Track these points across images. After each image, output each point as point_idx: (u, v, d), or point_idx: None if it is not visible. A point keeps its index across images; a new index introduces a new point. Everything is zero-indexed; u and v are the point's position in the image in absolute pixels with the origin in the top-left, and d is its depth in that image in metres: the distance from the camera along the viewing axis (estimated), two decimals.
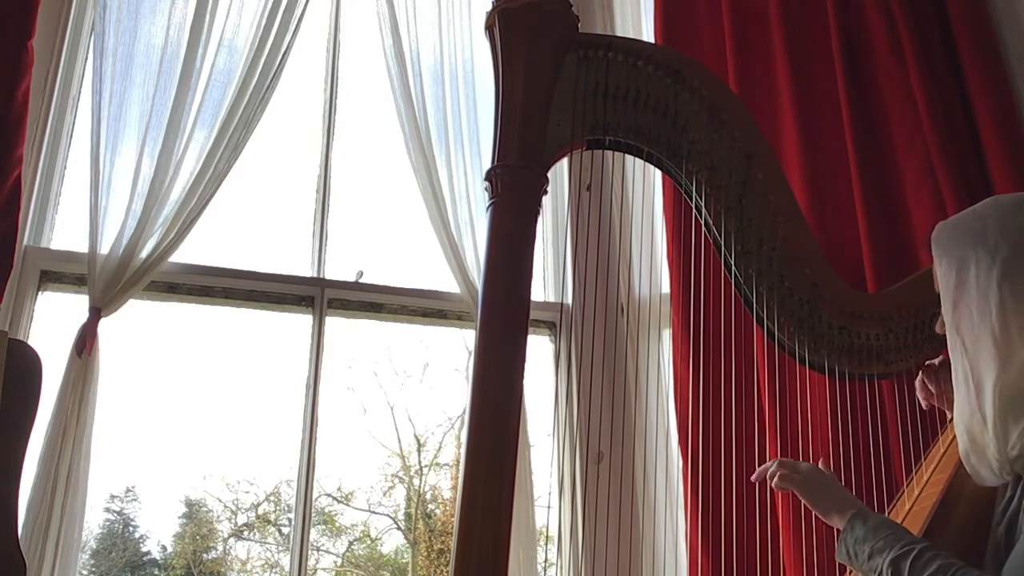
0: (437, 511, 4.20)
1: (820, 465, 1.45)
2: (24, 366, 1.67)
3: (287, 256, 2.54)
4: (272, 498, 4.03)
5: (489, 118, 1.53)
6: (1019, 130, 2.10)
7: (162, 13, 2.41)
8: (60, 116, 2.36)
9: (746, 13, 2.44)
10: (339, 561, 4.20)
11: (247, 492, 3.98)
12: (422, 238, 2.53)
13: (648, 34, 2.72)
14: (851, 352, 1.47)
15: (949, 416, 1.42)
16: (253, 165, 2.51)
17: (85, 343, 2.08)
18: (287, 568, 2.33)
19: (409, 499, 4.24)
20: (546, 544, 2.48)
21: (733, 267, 1.44)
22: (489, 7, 1.37)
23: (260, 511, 4.03)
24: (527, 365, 1.19)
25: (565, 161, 1.76)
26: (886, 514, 1.42)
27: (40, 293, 2.24)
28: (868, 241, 2.10)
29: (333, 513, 4.12)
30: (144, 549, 3.99)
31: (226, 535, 4.06)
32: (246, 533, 4.05)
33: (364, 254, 2.71)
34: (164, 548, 4.01)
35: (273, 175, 2.85)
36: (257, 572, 4.10)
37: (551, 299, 2.67)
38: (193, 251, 2.32)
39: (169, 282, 2.34)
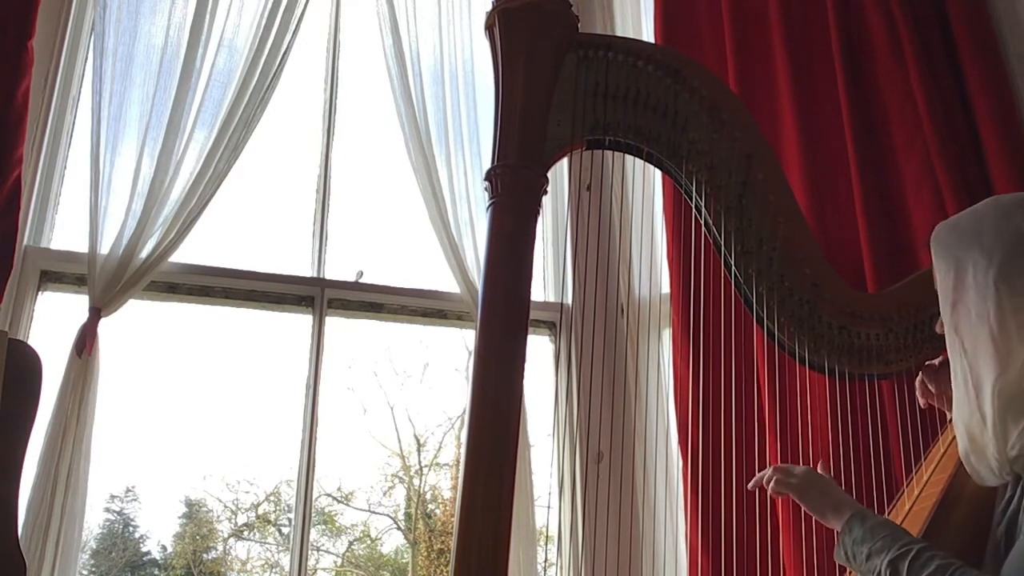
0: (437, 511, 4.20)
1: (819, 467, 1.45)
2: (24, 366, 1.67)
3: (287, 256, 2.54)
4: (272, 498, 4.04)
5: (489, 118, 1.53)
6: (1019, 130, 2.09)
7: (162, 13, 2.41)
8: (60, 116, 2.37)
9: (746, 13, 2.44)
10: (339, 561, 4.20)
11: (247, 492, 3.99)
12: (422, 238, 2.54)
13: (648, 34, 2.72)
14: (851, 352, 1.47)
15: (949, 416, 1.42)
16: (253, 165, 2.51)
17: (85, 343, 2.08)
18: (287, 568, 2.33)
19: (409, 499, 4.24)
20: (546, 544, 2.48)
21: (733, 267, 1.44)
22: (489, 7, 1.37)
23: (260, 511, 4.03)
24: (527, 365, 1.19)
25: (565, 161, 1.76)
26: (886, 514, 1.42)
27: (40, 293, 2.24)
28: (868, 241, 2.10)
29: (333, 513, 4.12)
30: (144, 549, 3.99)
31: (226, 535, 4.06)
32: (246, 533, 4.06)
33: (364, 254, 2.71)
34: (164, 548, 4.02)
35: (273, 175, 2.85)
36: (257, 572, 4.10)
37: (551, 299, 2.67)
38: (193, 251, 2.33)
39: (169, 282, 2.34)
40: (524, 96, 1.31)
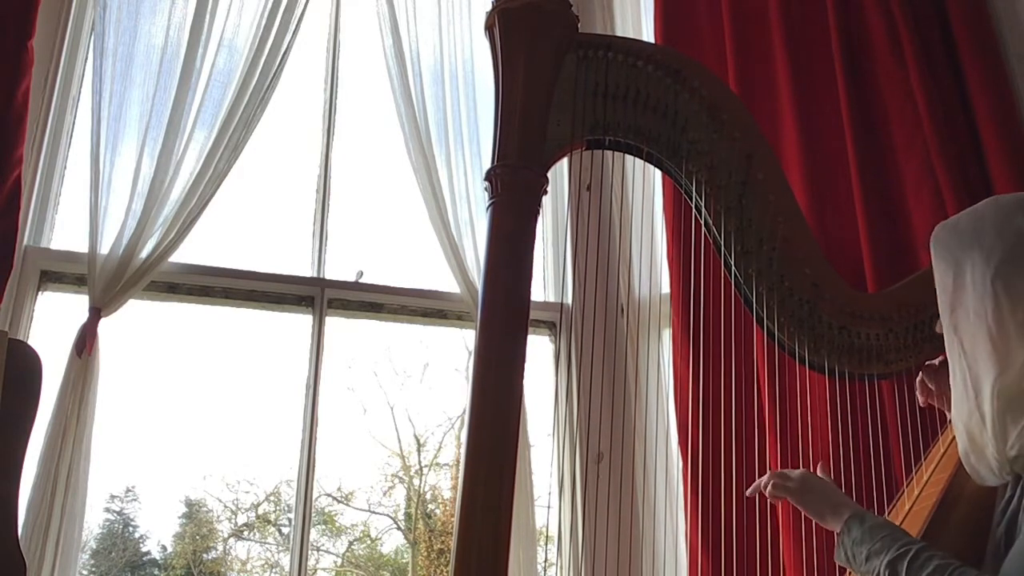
0: (437, 511, 4.20)
1: (819, 470, 1.45)
2: (24, 366, 1.67)
3: (287, 256, 2.54)
4: (272, 498, 4.04)
5: (489, 118, 1.53)
6: (1019, 130, 2.09)
7: (162, 13, 2.41)
8: (60, 116, 2.37)
9: (746, 13, 2.44)
10: (339, 561, 4.20)
11: (247, 492, 3.99)
12: (422, 238, 2.54)
13: (648, 34, 2.72)
14: (851, 352, 1.47)
15: (949, 416, 1.42)
16: (253, 165, 2.51)
17: (85, 343, 2.08)
18: (287, 568, 2.33)
19: (409, 499, 4.24)
20: (546, 544, 2.48)
21: (733, 267, 1.44)
22: (489, 7, 1.37)
23: (260, 511, 4.03)
24: (527, 365, 1.19)
25: (565, 161, 1.76)
26: (886, 514, 1.42)
27: (40, 293, 2.24)
28: (868, 241, 2.10)
29: (333, 513, 4.12)
30: (144, 549, 3.99)
31: (226, 535, 4.06)
32: (246, 533, 4.06)
33: (364, 254, 2.71)
34: (164, 548, 4.02)
35: (273, 175, 2.85)
36: (257, 572, 4.10)
37: (551, 299, 2.68)
38: (193, 251, 2.33)
39: (169, 282, 2.34)
40: (524, 96, 1.31)
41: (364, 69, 2.75)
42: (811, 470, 1.45)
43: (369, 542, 4.21)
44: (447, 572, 3.93)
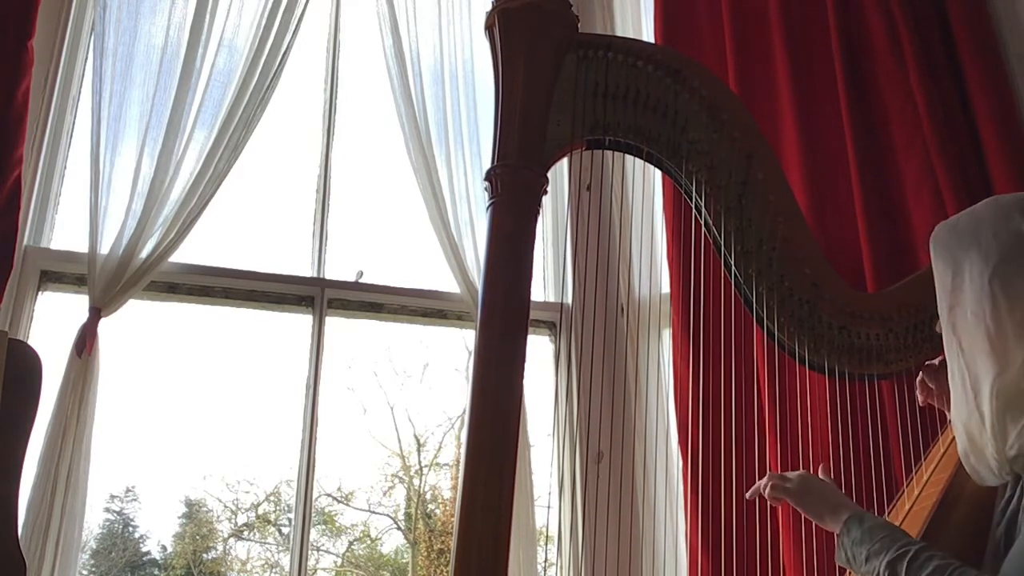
0: (437, 511, 4.20)
1: (820, 471, 1.45)
2: (24, 366, 1.67)
3: (287, 256, 2.54)
4: (272, 498, 4.04)
5: (489, 118, 1.53)
6: (1019, 130, 2.09)
7: (162, 13, 2.42)
8: (60, 116, 2.37)
9: (746, 13, 2.44)
10: (339, 561, 4.20)
11: (247, 492, 3.99)
12: (422, 238, 2.54)
13: (648, 34, 2.72)
14: (851, 352, 1.47)
15: (949, 416, 1.42)
16: (253, 165, 2.51)
17: (85, 343, 2.08)
18: (287, 568, 2.33)
19: (409, 499, 4.24)
20: (546, 544, 2.48)
21: (733, 267, 1.44)
22: (489, 7, 1.37)
23: (260, 511, 4.03)
24: (527, 365, 1.19)
25: (565, 161, 1.76)
26: (886, 514, 1.42)
27: (40, 293, 2.25)
28: (868, 241, 2.10)
29: (333, 513, 4.12)
30: (144, 549, 3.99)
31: (226, 535, 4.06)
32: (246, 533, 4.06)
33: (364, 254, 2.71)
34: (164, 548, 4.02)
35: (273, 175, 2.85)
36: (257, 572, 4.10)
37: (551, 299, 2.68)
38: (193, 251, 2.33)
39: (169, 282, 2.34)
40: (524, 96, 1.31)
41: (364, 69, 2.75)
42: (812, 471, 1.45)
43: (369, 542, 4.21)
44: (447, 572, 3.93)
